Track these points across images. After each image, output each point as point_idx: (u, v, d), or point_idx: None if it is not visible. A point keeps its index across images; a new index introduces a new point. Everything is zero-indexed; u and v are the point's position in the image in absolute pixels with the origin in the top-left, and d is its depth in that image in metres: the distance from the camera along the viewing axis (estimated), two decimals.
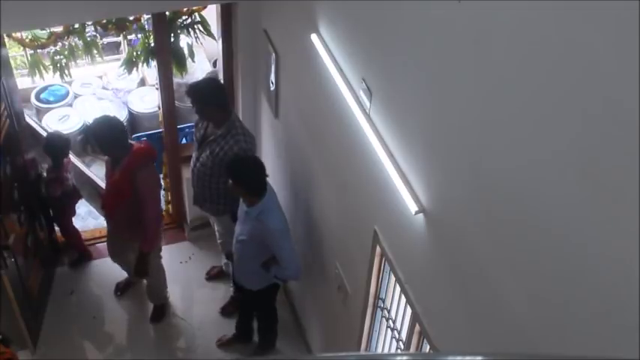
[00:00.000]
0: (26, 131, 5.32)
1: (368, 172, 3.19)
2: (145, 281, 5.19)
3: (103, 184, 5.45)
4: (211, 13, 5.19)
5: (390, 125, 2.92)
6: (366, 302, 3.57)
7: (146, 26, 5.23)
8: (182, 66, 5.27)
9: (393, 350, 3.48)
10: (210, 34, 5.17)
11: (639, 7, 1.51)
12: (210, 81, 4.92)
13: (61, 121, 6.82)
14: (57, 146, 5.12)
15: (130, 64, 5.40)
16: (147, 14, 5.01)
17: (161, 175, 6.20)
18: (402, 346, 3.31)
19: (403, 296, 3.14)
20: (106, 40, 6.78)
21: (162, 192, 6.31)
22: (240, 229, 4.28)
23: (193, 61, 5.36)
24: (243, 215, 4.19)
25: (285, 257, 4.10)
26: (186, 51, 5.25)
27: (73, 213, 5.57)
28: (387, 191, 2.96)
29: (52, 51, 5.30)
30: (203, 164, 4.56)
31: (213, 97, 4.41)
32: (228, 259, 4.66)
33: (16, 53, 6.96)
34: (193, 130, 4.88)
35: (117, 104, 7.11)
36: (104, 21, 4.96)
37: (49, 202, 5.29)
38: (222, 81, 5.40)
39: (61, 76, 5.56)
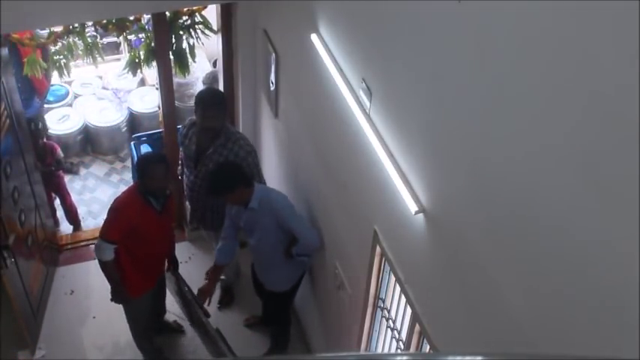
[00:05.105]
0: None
1: (368, 172, 3.19)
2: None
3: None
4: (211, 13, 5.19)
5: (390, 125, 2.92)
6: (366, 302, 3.57)
7: (146, 26, 5.23)
8: (185, 67, 5.26)
9: (393, 350, 3.48)
10: (211, 30, 5.15)
11: (639, 6, 1.51)
12: (213, 92, 4.73)
13: (61, 121, 6.83)
14: None
15: (134, 65, 5.39)
16: (147, 14, 5.01)
17: None
18: (402, 346, 3.31)
19: (403, 296, 3.14)
20: (106, 40, 6.77)
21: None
22: (250, 236, 4.30)
23: (194, 61, 5.35)
24: (247, 218, 4.18)
25: (301, 229, 4.15)
26: (187, 50, 5.24)
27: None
28: (387, 191, 2.95)
29: (52, 51, 5.29)
30: (206, 179, 4.40)
31: (222, 109, 4.40)
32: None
33: None
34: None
35: (117, 104, 7.11)
36: (104, 21, 4.95)
37: (47, 173, 5.57)
38: (222, 81, 5.41)
39: (60, 76, 5.56)
